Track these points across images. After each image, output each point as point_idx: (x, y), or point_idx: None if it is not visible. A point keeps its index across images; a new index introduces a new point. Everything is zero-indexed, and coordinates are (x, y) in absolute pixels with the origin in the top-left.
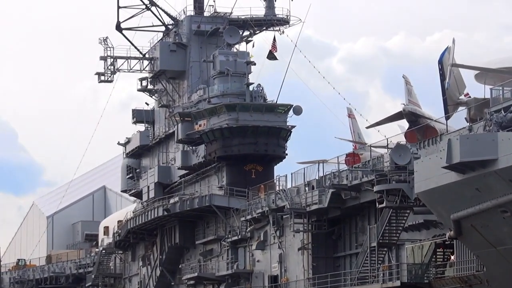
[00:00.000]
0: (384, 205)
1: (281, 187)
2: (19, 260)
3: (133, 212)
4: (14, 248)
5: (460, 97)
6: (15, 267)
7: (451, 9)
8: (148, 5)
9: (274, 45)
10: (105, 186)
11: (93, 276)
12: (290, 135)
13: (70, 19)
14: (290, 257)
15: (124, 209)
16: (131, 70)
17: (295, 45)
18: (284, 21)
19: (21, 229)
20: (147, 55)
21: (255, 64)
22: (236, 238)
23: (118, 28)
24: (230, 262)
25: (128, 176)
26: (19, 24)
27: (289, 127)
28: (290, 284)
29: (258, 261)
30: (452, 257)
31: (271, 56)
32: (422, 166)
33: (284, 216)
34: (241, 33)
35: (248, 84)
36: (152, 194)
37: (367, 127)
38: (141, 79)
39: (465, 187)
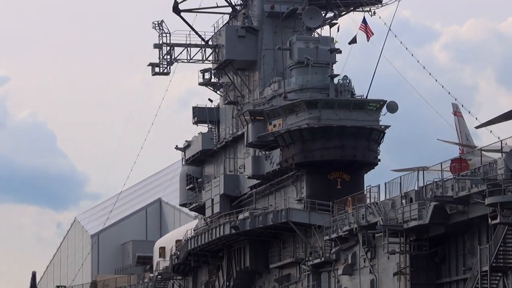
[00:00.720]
0: (498, 221)
1: (372, 200)
2: (58, 286)
3: (194, 230)
4: (53, 272)
5: None
6: None
7: None
8: None
9: (366, 28)
10: (161, 199)
11: None
12: (383, 137)
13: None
14: (384, 283)
15: (184, 227)
16: (191, 60)
17: (389, 29)
18: (376, 0)
19: (61, 250)
20: (210, 42)
21: (340, 52)
22: (318, 261)
23: (176, 10)
24: None
25: (188, 187)
26: (56, 10)
27: (382, 127)
28: None
29: None
30: None
31: (354, 40)
32: None
33: (376, 235)
34: (323, 14)
35: (333, 76)
36: (217, 209)
37: (477, 127)
38: (203, 71)
39: None
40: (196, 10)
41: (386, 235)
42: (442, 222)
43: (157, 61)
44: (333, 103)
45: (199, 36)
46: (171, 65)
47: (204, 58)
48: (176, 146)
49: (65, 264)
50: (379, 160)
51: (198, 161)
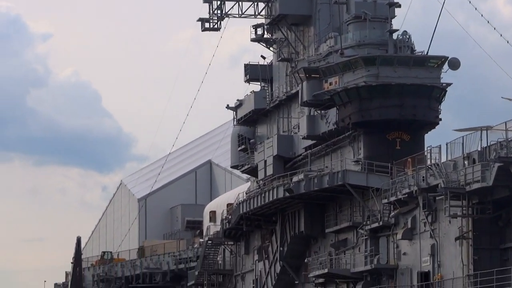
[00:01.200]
0: None
1: (433, 161)
2: (104, 253)
3: (246, 193)
4: (98, 238)
5: None
6: (100, 262)
7: None
8: None
9: None
10: (211, 161)
11: (196, 273)
12: (444, 95)
13: None
14: (445, 248)
15: (235, 190)
16: (242, 15)
17: None
18: None
19: (107, 214)
20: None
21: (399, 6)
22: (376, 225)
23: None
24: (369, 256)
25: (239, 148)
26: None
27: (444, 85)
28: (445, 283)
29: (404, 253)
30: None
31: None
32: None
33: (437, 198)
34: None
35: (392, 32)
36: (270, 171)
37: None
38: (256, 27)
39: None
40: None
41: (448, 198)
42: (506, 184)
43: (207, 16)
44: (392, 60)
45: None
46: (222, 20)
47: (257, 13)
48: (227, 105)
49: (111, 229)
50: (440, 120)
51: (250, 121)
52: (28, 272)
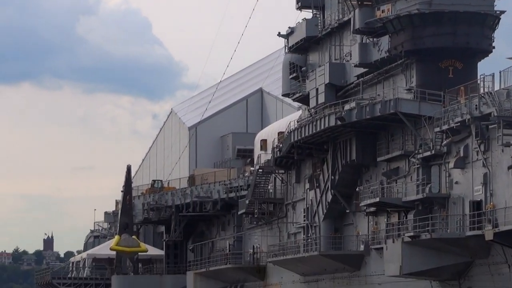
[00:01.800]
0: None
1: (486, 89)
2: (154, 181)
3: (297, 122)
4: (149, 166)
5: None
6: (150, 190)
7: None
8: None
9: None
10: (262, 89)
11: (247, 202)
12: (498, 23)
13: None
14: (497, 177)
15: (286, 118)
16: None
17: None
18: None
19: (157, 143)
20: None
21: None
22: (428, 153)
23: None
24: (421, 184)
25: (291, 76)
26: None
27: (497, 12)
28: (498, 212)
29: (456, 182)
30: None
31: None
32: None
33: (490, 126)
34: None
35: None
36: (321, 99)
37: None
38: None
39: None
40: None
41: (501, 127)
42: None
43: None
44: None
45: None
46: None
47: None
48: (279, 33)
49: (161, 158)
50: (494, 47)
51: (302, 48)
52: (78, 200)
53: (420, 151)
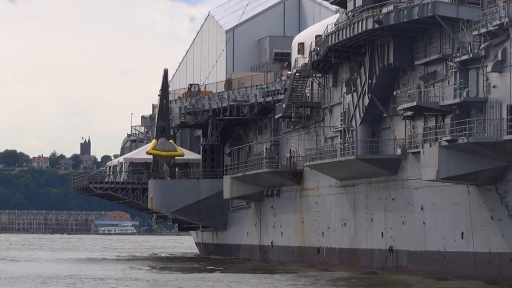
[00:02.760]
0: None
1: None
2: (191, 85)
3: (335, 25)
4: (186, 70)
5: None
6: (187, 94)
7: None
8: None
9: None
10: None
11: (284, 106)
12: None
13: None
14: None
15: (324, 21)
16: None
17: None
18: None
19: (194, 47)
20: None
21: None
22: (466, 57)
23: None
24: (459, 88)
25: None
26: None
27: None
28: None
29: (494, 86)
30: None
31: None
32: None
33: None
34: None
35: None
36: (359, 2)
37: None
38: None
39: None
40: None
41: None
42: None
43: None
44: None
45: None
46: None
47: None
48: None
49: (198, 62)
50: None
51: None
52: (115, 104)
53: (458, 54)
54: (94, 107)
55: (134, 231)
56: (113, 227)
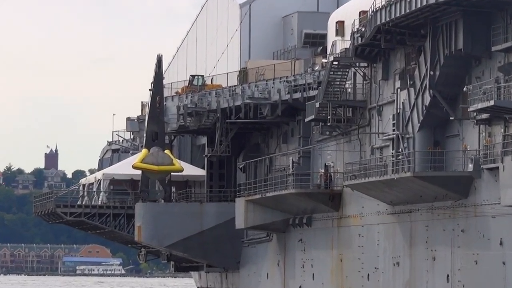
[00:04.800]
0: None
1: None
2: (193, 77)
3: None
4: (186, 57)
5: None
6: (187, 89)
7: None
8: None
9: None
10: None
11: (317, 105)
12: None
13: None
14: None
15: None
16: None
17: None
18: None
19: (197, 26)
20: None
21: None
22: None
23: None
24: None
25: None
26: None
27: None
28: None
29: None
30: None
31: None
32: None
33: None
34: None
35: None
36: None
37: None
38: None
39: None
40: None
41: None
42: None
43: None
44: None
45: None
46: None
47: None
48: None
49: (202, 46)
50: None
51: None
52: (93, 102)
53: None
54: (64, 107)
55: (123, 271)
56: (95, 266)
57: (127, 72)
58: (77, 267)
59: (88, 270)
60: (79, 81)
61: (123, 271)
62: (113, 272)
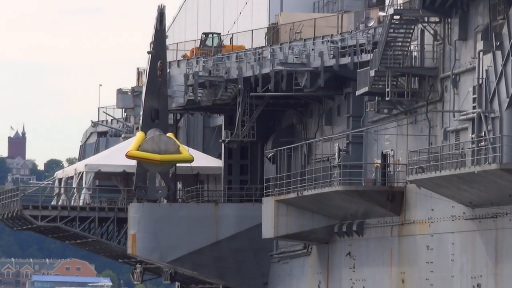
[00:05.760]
0: None
1: None
2: (206, 35)
3: None
4: (196, 10)
5: None
6: (199, 51)
7: None
8: None
9: None
10: None
11: (372, 73)
12: None
13: None
14: None
15: None
16: None
17: None
18: None
19: None
20: None
21: None
22: None
23: None
24: None
25: None
26: None
27: None
28: None
29: None
30: None
31: None
32: None
33: None
34: None
35: None
36: None
37: None
38: None
39: None
40: None
41: None
42: None
43: None
44: None
45: None
46: None
47: None
48: None
49: None
50: None
51: None
52: (72, 68)
53: None
54: (35, 76)
55: None
56: None
57: (118, 29)
58: None
59: None
60: (54, 39)
61: None
62: None
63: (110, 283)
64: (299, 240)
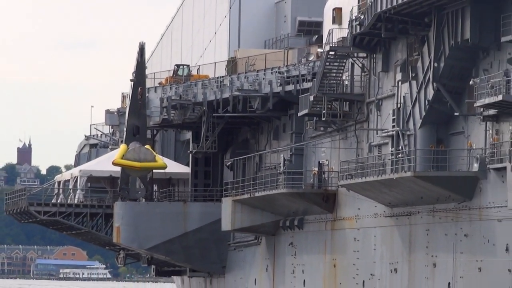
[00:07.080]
0: None
1: None
2: (178, 67)
3: None
4: (170, 45)
5: None
6: (172, 79)
7: None
8: None
9: None
10: None
11: (311, 98)
12: None
13: None
14: None
15: None
16: None
17: None
18: None
19: (183, 11)
20: None
21: None
22: None
23: None
24: None
25: None
26: None
27: None
28: None
29: None
30: None
31: None
32: None
33: None
34: None
35: None
36: None
37: None
38: None
39: None
40: None
41: None
42: None
43: None
44: None
45: None
46: None
47: None
48: None
49: (188, 33)
50: None
51: None
52: (69, 92)
53: None
54: (39, 95)
55: (109, 275)
56: (79, 269)
57: (107, 60)
58: (61, 271)
59: (74, 274)
60: (55, 68)
61: (108, 275)
62: (95, 276)
63: (104, 266)
64: (251, 232)
